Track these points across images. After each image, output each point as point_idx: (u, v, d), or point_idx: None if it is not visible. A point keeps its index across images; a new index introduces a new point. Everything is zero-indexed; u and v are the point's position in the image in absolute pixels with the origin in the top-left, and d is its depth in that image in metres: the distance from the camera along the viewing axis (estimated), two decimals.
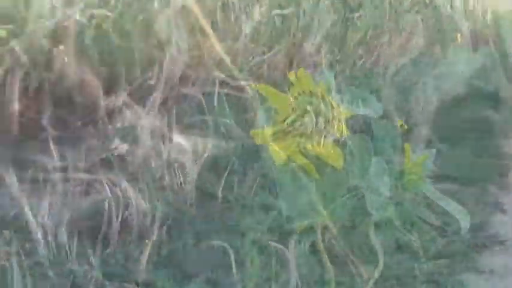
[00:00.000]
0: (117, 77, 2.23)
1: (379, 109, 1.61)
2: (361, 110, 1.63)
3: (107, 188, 1.75)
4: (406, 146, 1.68)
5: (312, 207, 1.63)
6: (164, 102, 2.02)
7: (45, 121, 2.06)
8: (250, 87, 1.97)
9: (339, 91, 1.84)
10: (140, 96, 2.09)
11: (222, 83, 2.02)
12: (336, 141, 1.85)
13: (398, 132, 1.78)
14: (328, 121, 1.80)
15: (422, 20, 2.27)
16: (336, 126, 1.74)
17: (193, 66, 2.22)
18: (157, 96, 1.99)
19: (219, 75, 2.01)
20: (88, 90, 2.09)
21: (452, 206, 1.63)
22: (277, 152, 1.72)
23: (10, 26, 2.19)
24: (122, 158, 1.87)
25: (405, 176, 1.55)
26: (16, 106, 2.05)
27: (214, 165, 1.85)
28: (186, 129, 1.95)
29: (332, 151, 1.73)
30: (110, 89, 2.12)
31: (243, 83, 2.01)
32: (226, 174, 1.77)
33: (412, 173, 1.54)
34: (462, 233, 1.58)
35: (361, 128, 1.87)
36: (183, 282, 1.64)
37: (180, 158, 1.80)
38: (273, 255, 1.60)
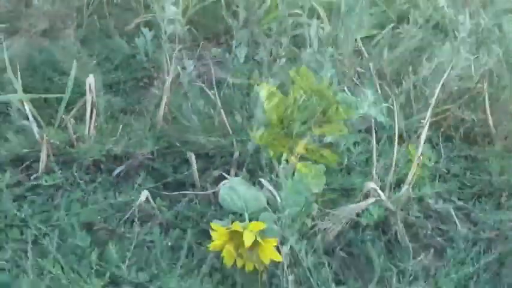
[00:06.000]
0: None
1: (382, 108, 1.61)
2: (364, 110, 1.63)
3: None
4: (410, 146, 1.67)
5: (311, 206, 1.62)
6: None
7: None
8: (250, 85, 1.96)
9: (341, 90, 1.83)
10: None
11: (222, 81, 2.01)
12: (335, 141, 1.85)
13: (401, 131, 1.78)
14: (328, 121, 1.79)
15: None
16: (335, 126, 1.74)
17: None
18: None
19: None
20: None
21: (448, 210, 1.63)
22: (275, 151, 1.72)
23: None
24: None
25: (408, 176, 1.54)
26: None
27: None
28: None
29: (329, 151, 1.73)
30: None
31: (243, 81, 2.00)
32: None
33: (414, 173, 1.53)
34: (462, 235, 1.57)
35: (364, 127, 1.86)
36: None
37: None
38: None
